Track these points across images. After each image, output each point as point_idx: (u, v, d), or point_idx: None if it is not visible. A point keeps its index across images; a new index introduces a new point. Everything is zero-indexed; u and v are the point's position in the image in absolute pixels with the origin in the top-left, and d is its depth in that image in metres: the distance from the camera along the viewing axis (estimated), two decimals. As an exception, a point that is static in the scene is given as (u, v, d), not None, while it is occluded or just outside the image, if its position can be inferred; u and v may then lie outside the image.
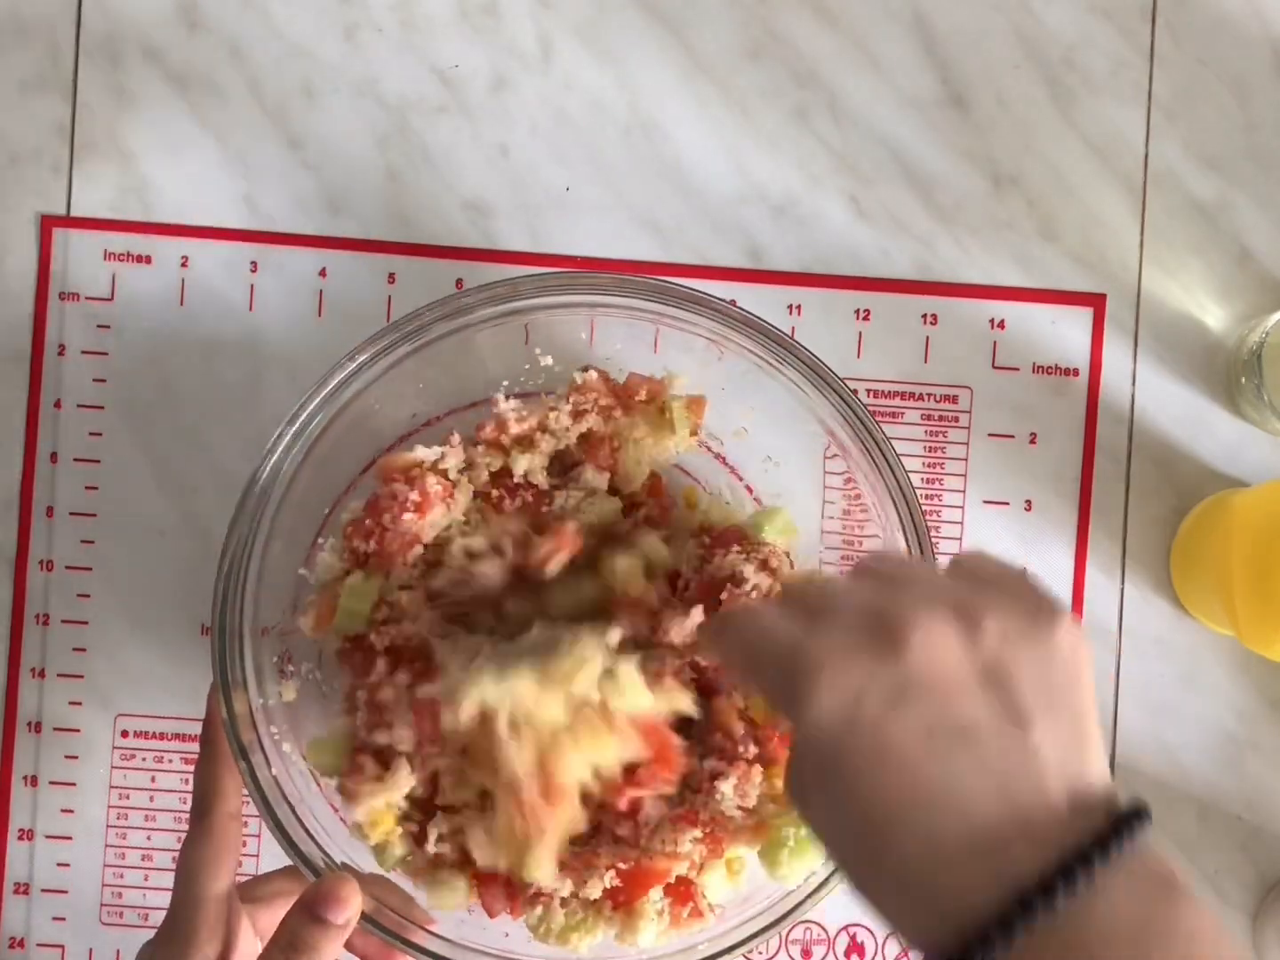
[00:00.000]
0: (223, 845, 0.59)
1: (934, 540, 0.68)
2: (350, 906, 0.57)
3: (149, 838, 0.72)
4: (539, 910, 0.63)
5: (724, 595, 0.63)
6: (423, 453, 0.65)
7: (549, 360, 0.67)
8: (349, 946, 0.62)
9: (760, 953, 0.63)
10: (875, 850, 0.43)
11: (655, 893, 0.62)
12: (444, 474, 0.64)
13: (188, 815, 0.71)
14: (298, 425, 0.63)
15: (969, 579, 0.47)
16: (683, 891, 0.62)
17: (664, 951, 0.63)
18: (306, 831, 0.62)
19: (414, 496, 0.63)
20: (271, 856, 0.70)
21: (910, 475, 0.63)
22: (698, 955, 0.62)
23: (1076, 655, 0.45)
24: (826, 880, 0.62)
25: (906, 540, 0.63)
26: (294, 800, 0.62)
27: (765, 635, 0.47)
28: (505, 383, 0.68)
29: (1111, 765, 0.72)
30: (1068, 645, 0.45)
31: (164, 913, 0.71)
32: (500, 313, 0.64)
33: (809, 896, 0.62)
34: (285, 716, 0.65)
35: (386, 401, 0.65)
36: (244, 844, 0.61)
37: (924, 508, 0.64)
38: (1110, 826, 0.41)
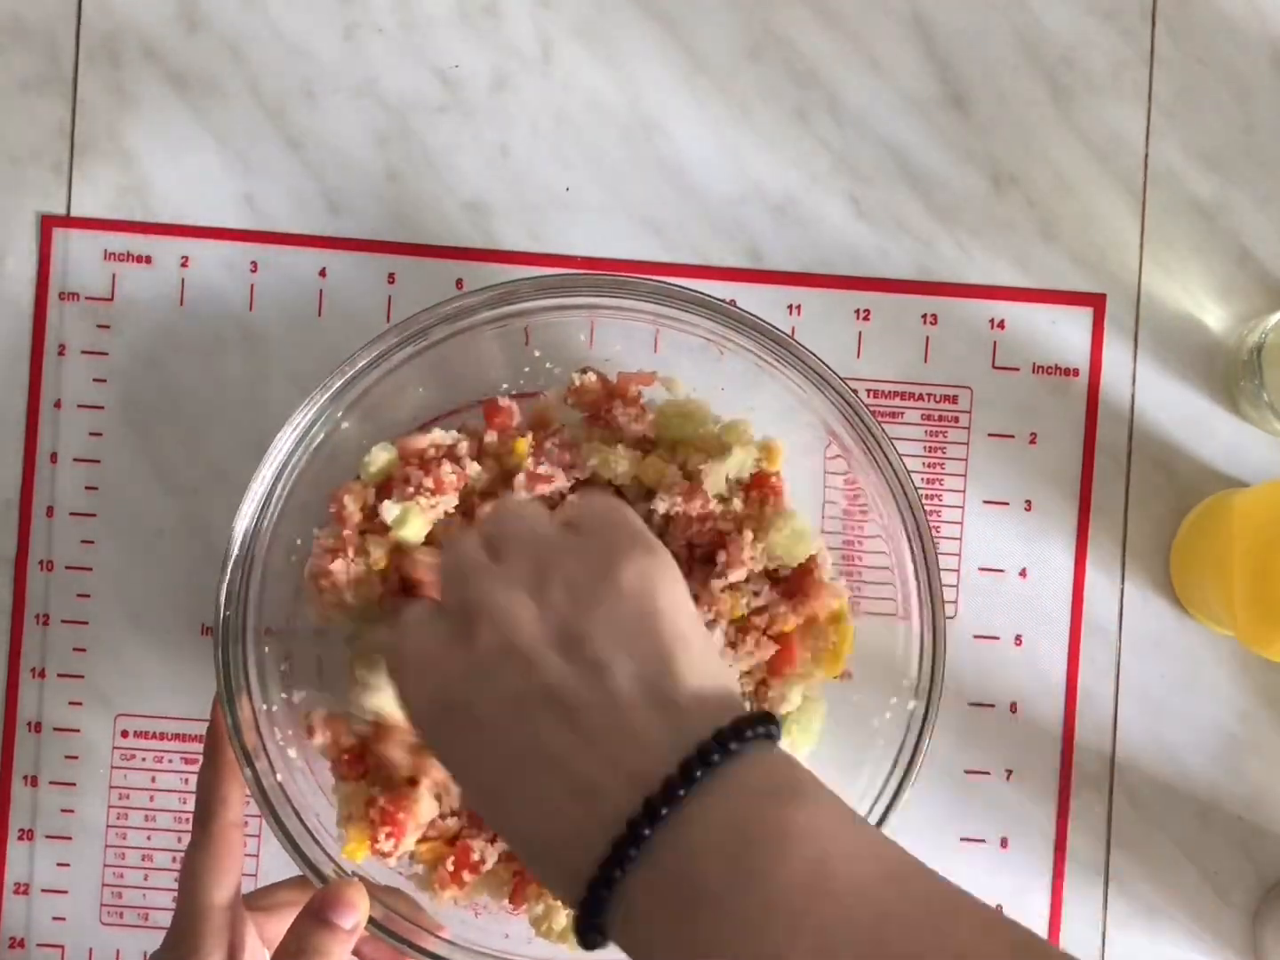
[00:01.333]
0: (224, 854, 0.59)
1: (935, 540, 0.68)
2: (358, 910, 0.57)
3: (149, 838, 0.72)
4: (540, 907, 0.63)
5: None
6: (440, 435, 0.65)
7: (549, 362, 0.68)
8: (358, 954, 0.62)
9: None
10: (496, 820, 0.45)
11: None
12: (458, 460, 0.65)
13: (189, 815, 0.71)
14: (299, 429, 0.63)
15: (566, 532, 0.49)
16: None
17: None
18: (312, 836, 0.62)
19: (428, 483, 0.63)
20: (271, 856, 0.71)
21: (911, 475, 0.63)
22: None
23: (644, 585, 0.46)
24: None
25: (909, 539, 0.63)
26: (299, 805, 0.62)
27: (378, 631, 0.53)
28: (505, 385, 0.68)
29: (1111, 765, 0.72)
30: (633, 580, 0.46)
31: (164, 913, 0.72)
32: (500, 315, 0.64)
33: None
34: (289, 721, 0.65)
35: (388, 404, 0.65)
36: (245, 848, 0.61)
37: (924, 508, 0.64)
38: (702, 745, 0.42)
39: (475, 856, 0.63)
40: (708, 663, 0.45)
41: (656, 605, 0.46)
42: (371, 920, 0.60)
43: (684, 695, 0.44)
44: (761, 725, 0.43)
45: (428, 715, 0.47)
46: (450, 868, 0.63)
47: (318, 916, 0.57)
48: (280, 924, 0.59)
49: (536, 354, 0.67)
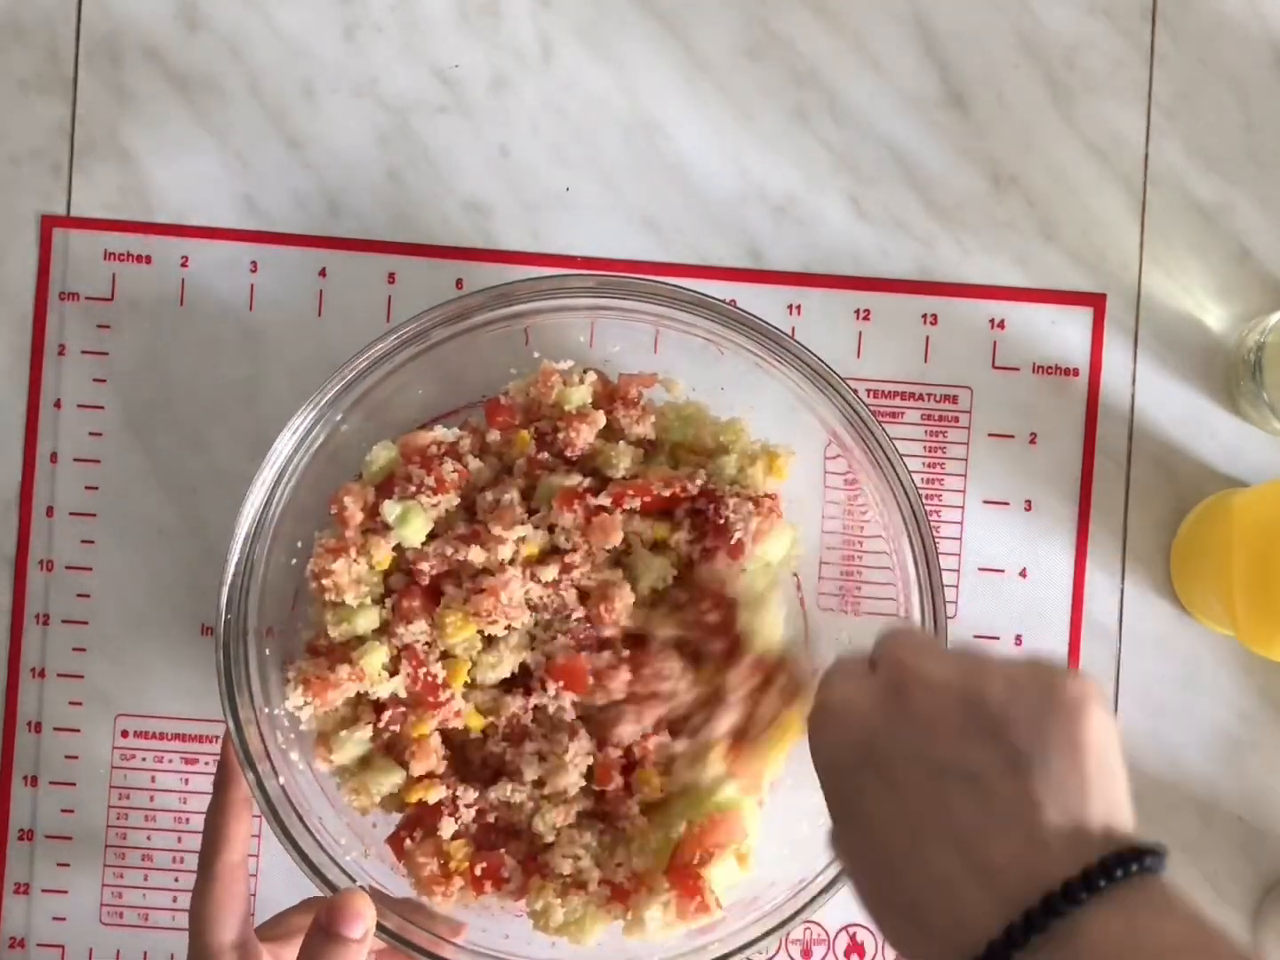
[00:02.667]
0: (228, 894, 0.59)
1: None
2: (365, 920, 0.57)
3: (149, 838, 0.72)
4: (540, 903, 0.63)
5: None
6: (442, 433, 0.65)
7: (550, 362, 0.67)
8: None
9: (761, 952, 0.63)
10: (879, 885, 0.46)
11: (660, 885, 0.63)
12: (460, 458, 0.65)
13: (189, 815, 0.71)
14: (299, 431, 0.63)
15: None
16: (690, 885, 0.63)
17: (675, 952, 0.63)
18: (314, 839, 0.62)
19: (429, 481, 0.63)
20: (272, 856, 0.71)
21: (912, 475, 0.63)
22: (709, 955, 0.62)
23: (1079, 699, 0.45)
24: (835, 880, 0.62)
25: (909, 539, 0.63)
26: (301, 809, 0.62)
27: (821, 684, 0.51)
28: (507, 385, 0.68)
29: (1111, 765, 0.72)
30: (1077, 700, 0.45)
31: (164, 913, 0.72)
32: (500, 316, 0.64)
33: (818, 896, 0.62)
34: (291, 725, 0.65)
35: (388, 405, 0.65)
36: (250, 885, 0.61)
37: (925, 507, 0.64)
38: (1101, 860, 0.43)
39: (505, 874, 0.63)
40: (1121, 798, 0.46)
41: (1088, 720, 0.45)
42: (388, 931, 0.60)
43: (1094, 815, 0.44)
44: (1155, 855, 0.44)
45: (843, 763, 0.48)
46: (477, 872, 0.63)
47: (327, 930, 0.57)
48: (295, 950, 0.59)
49: (536, 354, 0.67)
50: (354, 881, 0.62)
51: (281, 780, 0.62)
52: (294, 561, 0.66)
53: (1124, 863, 0.43)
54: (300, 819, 0.62)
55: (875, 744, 0.46)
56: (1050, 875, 0.42)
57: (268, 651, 0.65)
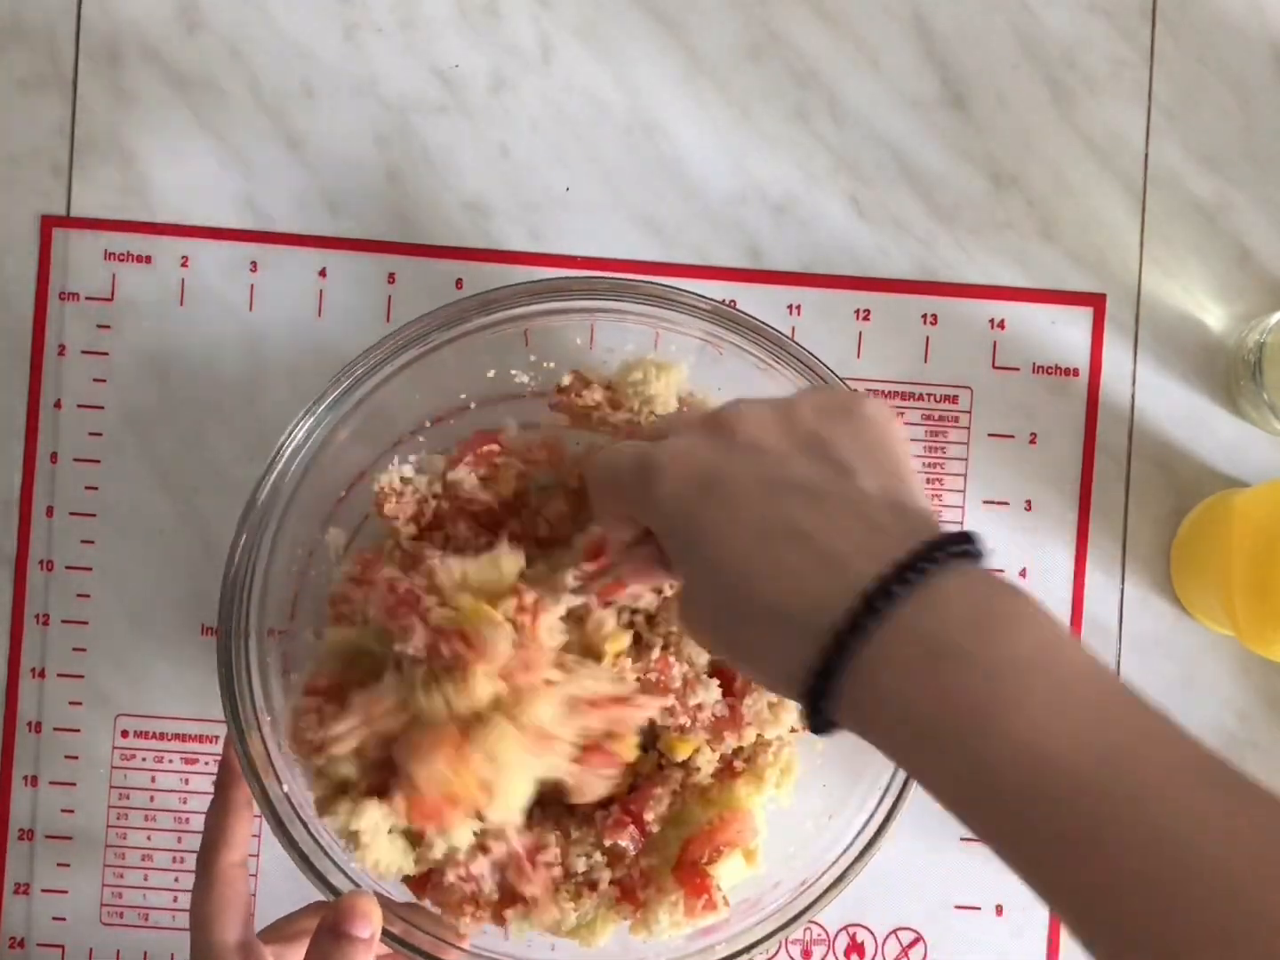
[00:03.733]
0: (228, 895, 0.59)
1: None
2: (373, 920, 0.57)
3: (149, 838, 0.72)
4: (553, 910, 0.63)
5: None
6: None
7: (550, 363, 0.68)
8: None
9: (761, 953, 0.63)
10: (741, 594, 0.47)
11: (670, 884, 0.63)
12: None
13: (189, 815, 0.71)
14: (299, 437, 0.63)
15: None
16: (697, 883, 0.63)
17: (679, 953, 0.63)
18: (317, 843, 0.62)
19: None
20: (273, 856, 0.71)
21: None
22: (713, 957, 0.62)
23: (883, 422, 0.50)
24: (838, 881, 0.62)
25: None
26: (304, 814, 0.62)
27: (622, 452, 0.53)
28: (510, 385, 0.68)
29: (1111, 765, 0.72)
30: (875, 415, 0.50)
31: (164, 913, 0.72)
32: (499, 319, 0.64)
33: (821, 897, 0.62)
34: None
35: (386, 409, 0.65)
36: (250, 886, 0.61)
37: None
38: (939, 537, 0.45)
39: (529, 893, 0.63)
40: (924, 493, 0.50)
41: (893, 436, 0.50)
42: (392, 935, 0.60)
43: (915, 507, 0.48)
44: (977, 537, 0.46)
45: (683, 498, 0.49)
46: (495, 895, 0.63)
47: (335, 931, 0.57)
48: (300, 952, 0.59)
49: (532, 358, 0.67)
50: (357, 885, 0.62)
51: (285, 787, 0.62)
52: (294, 568, 0.66)
53: (956, 540, 0.45)
54: (303, 823, 0.62)
55: (711, 475, 0.48)
56: (892, 550, 0.44)
57: (269, 657, 0.64)
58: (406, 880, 0.64)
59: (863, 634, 0.43)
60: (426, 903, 0.63)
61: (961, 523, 0.72)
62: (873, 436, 0.49)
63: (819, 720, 0.45)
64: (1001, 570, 0.45)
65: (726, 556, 0.47)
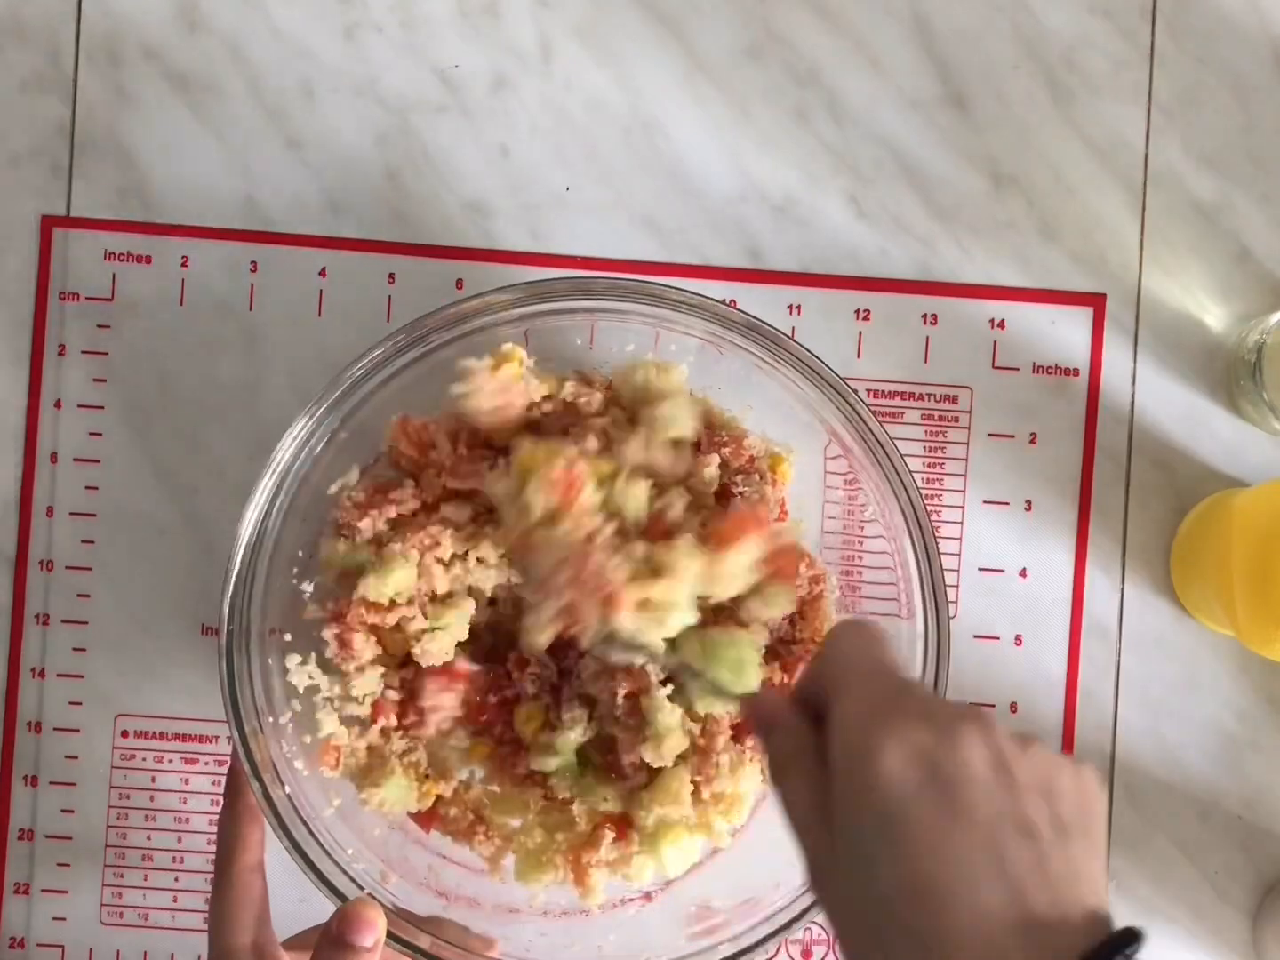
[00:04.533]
0: (245, 897, 0.59)
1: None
2: (376, 928, 0.57)
3: (149, 838, 0.72)
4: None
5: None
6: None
7: (550, 363, 0.68)
8: None
9: (762, 953, 0.63)
10: (921, 913, 0.45)
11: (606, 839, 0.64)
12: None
13: (189, 815, 0.71)
14: (299, 438, 0.63)
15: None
16: (622, 826, 0.64)
17: (680, 953, 0.63)
18: (320, 846, 0.62)
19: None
20: (273, 857, 0.71)
21: (913, 474, 0.63)
22: (717, 956, 0.62)
23: (1098, 792, 0.48)
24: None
25: (911, 538, 0.63)
26: (307, 816, 0.62)
27: (854, 663, 0.50)
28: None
29: (1111, 765, 0.72)
30: (1093, 781, 0.48)
31: (164, 912, 0.72)
32: (499, 319, 0.64)
33: None
34: (295, 733, 0.65)
35: (386, 410, 0.65)
36: (267, 889, 0.61)
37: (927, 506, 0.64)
38: (1109, 941, 0.44)
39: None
40: (1104, 875, 0.48)
41: (1101, 811, 0.48)
42: (420, 950, 0.60)
43: (1101, 894, 0.46)
44: (1141, 939, 0.45)
45: (906, 778, 0.46)
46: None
47: (337, 940, 0.57)
48: None
49: (533, 360, 0.67)
50: (361, 889, 0.62)
51: (288, 789, 0.62)
52: (295, 568, 0.66)
53: (1132, 939, 0.44)
54: (305, 824, 0.62)
55: (941, 764, 0.46)
56: (1076, 945, 0.43)
57: (270, 657, 0.64)
58: (414, 816, 0.66)
59: None
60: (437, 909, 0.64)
61: (961, 523, 0.72)
62: (1089, 805, 0.47)
63: None
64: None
65: (921, 868, 0.45)
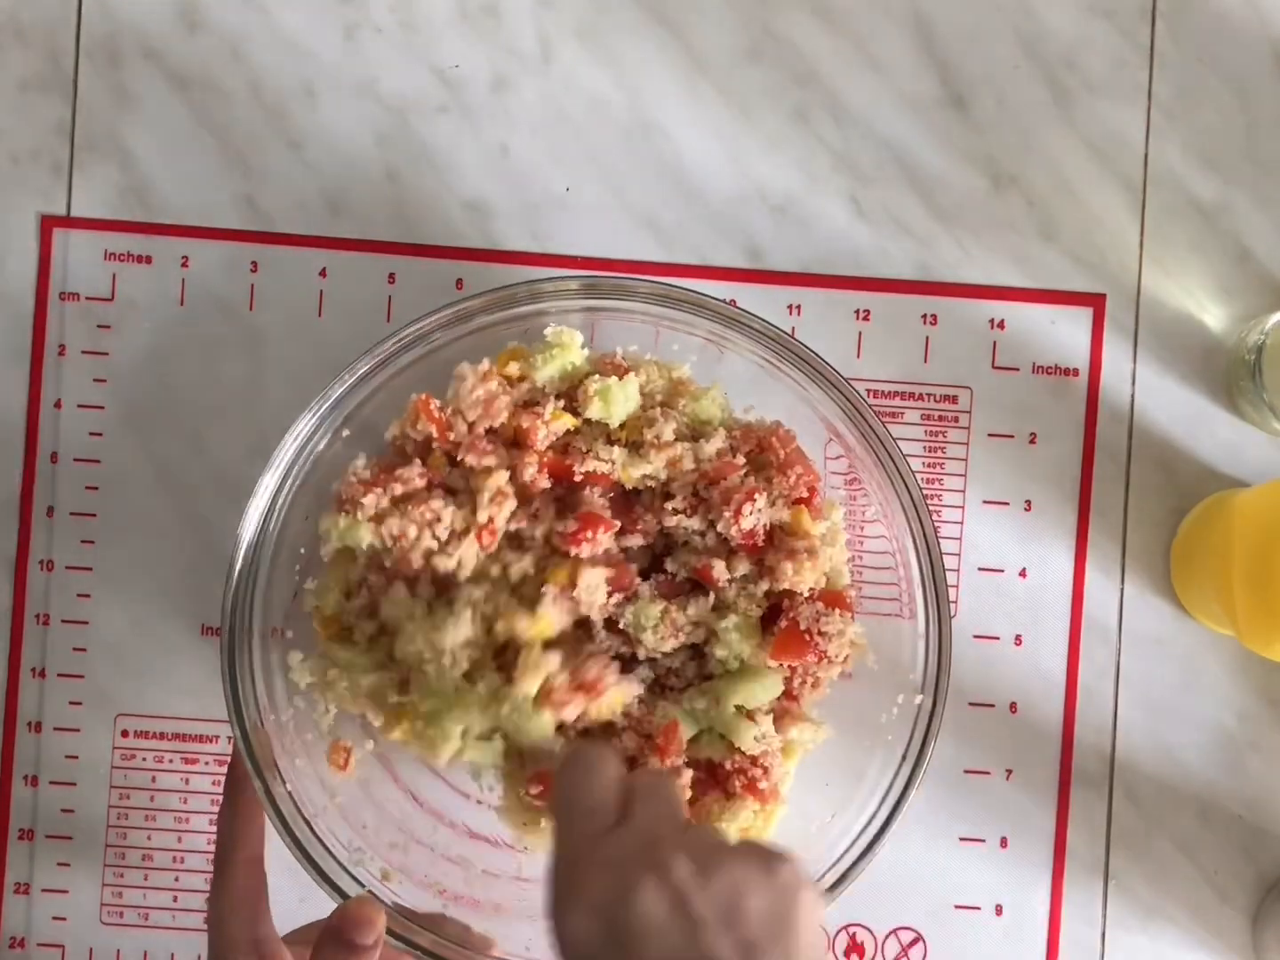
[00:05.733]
0: (245, 891, 0.59)
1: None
2: (376, 926, 0.57)
3: (149, 838, 0.72)
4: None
5: None
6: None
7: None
8: None
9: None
10: None
11: None
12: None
13: (189, 815, 0.71)
14: (301, 438, 0.63)
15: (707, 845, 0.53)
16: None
17: None
18: (322, 844, 0.62)
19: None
20: (275, 855, 0.71)
21: (914, 473, 0.64)
22: None
23: (795, 892, 0.50)
24: (839, 882, 0.62)
25: (913, 537, 0.63)
26: (309, 814, 0.62)
27: (566, 797, 0.54)
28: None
29: (1111, 765, 0.72)
30: (787, 882, 0.50)
31: (164, 912, 0.72)
32: (501, 318, 0.64)
33: (826, 894, 0.62)
34: (297, 730, 0.65)
35: (388, 409, 0.65)
36: (268, 882, 0.61)
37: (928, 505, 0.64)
38: None
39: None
40: None
41: (800, 909, 0.50)
42: (420, 948, 0.60)
43: None
44: None
45: (591, 930, 0.50)
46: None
47: (337, 938, 0.57)
48: None
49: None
50: (363, 887, 0.62)
51: (289, 787, 0.62)
52: (297, 567, 0.66)
53: None
54: (306, 822, 0.62)
55: (617, 918, 0.49)
56: None
57: (272, 655, 0.65)
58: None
59: None
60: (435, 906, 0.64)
61: (961, 523, 0.72)
62: (780, 914, 0.49)
63: None
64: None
65: None
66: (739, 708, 0.64)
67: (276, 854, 0.61)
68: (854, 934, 0.72)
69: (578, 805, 0.54)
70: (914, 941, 0.72)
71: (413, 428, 0.64)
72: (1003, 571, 0.73)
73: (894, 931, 0.72)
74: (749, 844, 0.52)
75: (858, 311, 0.73)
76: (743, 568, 0.64)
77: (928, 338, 0.73)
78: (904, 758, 0.63)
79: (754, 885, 0.50)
